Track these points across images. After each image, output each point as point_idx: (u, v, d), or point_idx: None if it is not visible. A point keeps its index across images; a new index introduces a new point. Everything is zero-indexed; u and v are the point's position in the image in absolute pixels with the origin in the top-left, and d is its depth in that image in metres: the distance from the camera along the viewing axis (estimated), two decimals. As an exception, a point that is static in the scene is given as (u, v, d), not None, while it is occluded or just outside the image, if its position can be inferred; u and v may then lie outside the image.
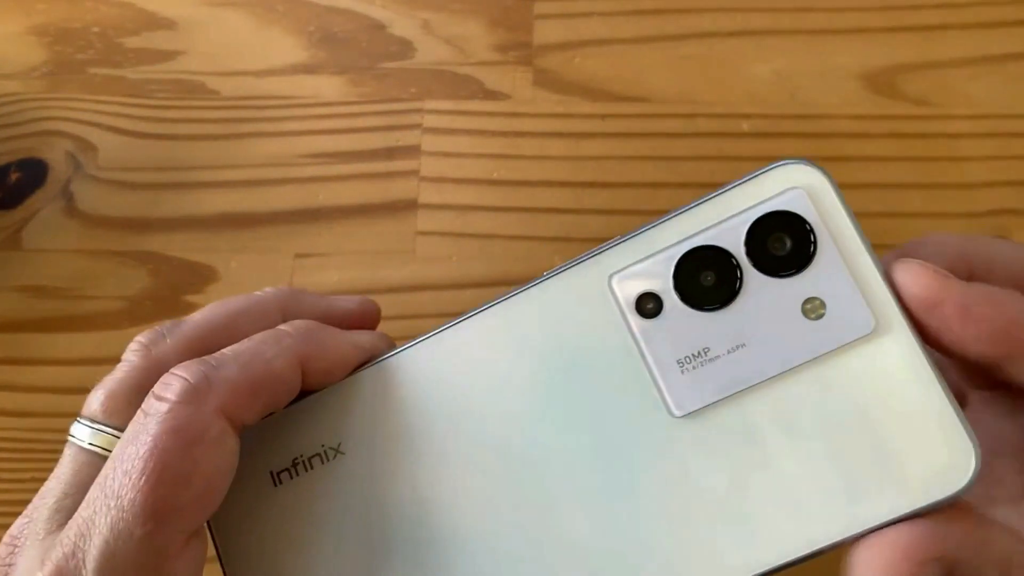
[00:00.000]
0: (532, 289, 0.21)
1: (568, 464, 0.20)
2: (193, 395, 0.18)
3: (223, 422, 0.19)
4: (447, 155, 0.34)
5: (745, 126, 0.33)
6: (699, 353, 0.20)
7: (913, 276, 0.18)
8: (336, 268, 0.32)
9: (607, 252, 0.21)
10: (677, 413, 0.19)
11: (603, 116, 0.34)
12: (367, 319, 0.25)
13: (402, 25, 0.36)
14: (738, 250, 0.20)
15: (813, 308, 0.19)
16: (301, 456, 0.21)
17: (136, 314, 0.32)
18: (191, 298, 0.32)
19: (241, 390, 0.19)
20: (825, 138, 0.33)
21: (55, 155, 0.34)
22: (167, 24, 0.36)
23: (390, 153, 0.34)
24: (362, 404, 0.21)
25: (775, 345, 0.19)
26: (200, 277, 0.33)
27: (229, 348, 0.20)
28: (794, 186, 0.20)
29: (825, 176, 0.20)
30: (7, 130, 0.35)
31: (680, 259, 0.20)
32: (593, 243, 0.20)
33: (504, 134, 0.34)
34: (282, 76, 0.35)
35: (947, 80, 0.33)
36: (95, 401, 0.20)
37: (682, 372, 0.19)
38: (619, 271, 0.20)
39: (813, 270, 0.19)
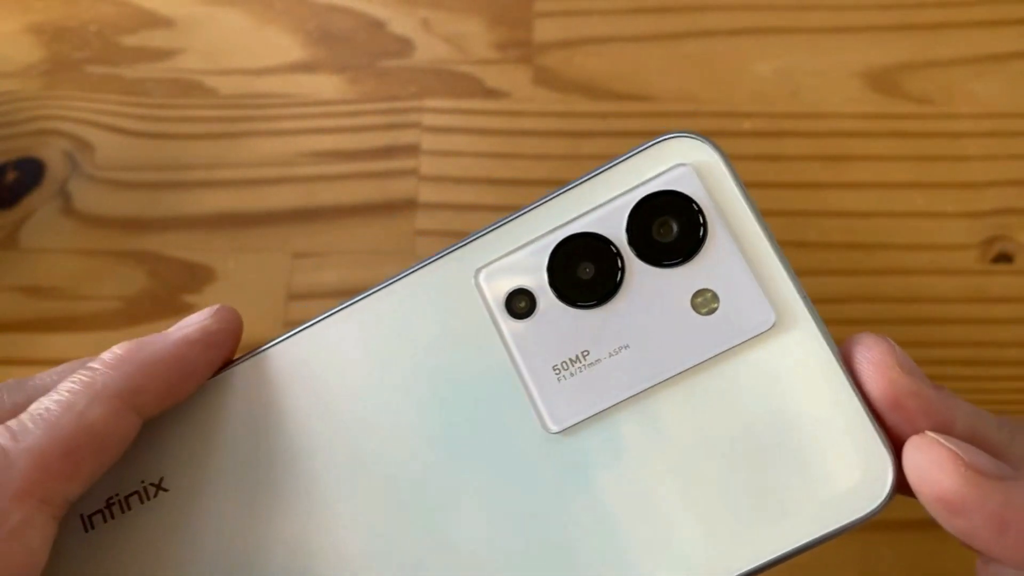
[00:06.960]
0: (391, 287, 0.18)
1: (428, 489, 0.17)
2: None
3: (27, 508, 0.15)
4: (446, 154, 0.33)
5: (746, 125, 0.33)
6: (577, 357, 0.17)
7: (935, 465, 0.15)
8: (334, 268, 0.32)
9: (473, 244, 0.18)
10: (553, 428, 0.17)
11: (603, 115, 0.33)
12: (218, 342, 0.19)
13: (401, 23, 0.35)
14: (619, 237, 0.17)
15: (704, 302, 0.17)
16: (117, 495, 0.18)
17: (134, 314, 0.32)
18: (189, 298, 0.32)
19: (50, 460, 0.16)
20: (827, 137, 0.33)
21: (52, 154, 0.34)
22: (165, 22, 0.36)
23: (389, 152, 0.34)
24: (190, 428, 0.18)
25: (662, 346, 0.17)
26: (198, 277, 0.32)
27: (36, 403, 0.16)
28: (680, 162, 0.18)
29: (716, 150, 0.18)
30: (4, 129, 0.34)
31: (554, 250, 0.18)
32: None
33: (504, 133, 0.34)
34: (280, 74, 0.35)
35: (950, 79, 0.33)
36: None
37: (559, 380, 0.17)
38: (486, 265, 0.18)
39: (703, 258, 0.17)
